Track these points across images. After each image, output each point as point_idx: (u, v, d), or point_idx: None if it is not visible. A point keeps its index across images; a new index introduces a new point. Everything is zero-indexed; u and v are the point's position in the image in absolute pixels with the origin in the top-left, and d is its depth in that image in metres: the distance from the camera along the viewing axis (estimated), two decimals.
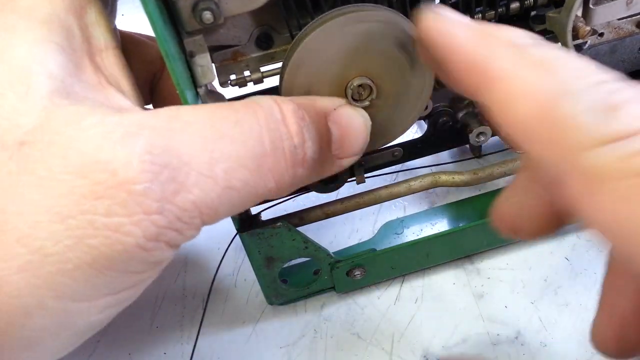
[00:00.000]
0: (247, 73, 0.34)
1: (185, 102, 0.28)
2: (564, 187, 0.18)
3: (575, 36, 0.32)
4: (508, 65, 0.20)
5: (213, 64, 0.32)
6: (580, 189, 0.17)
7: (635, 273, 0.18)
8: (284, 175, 0.26)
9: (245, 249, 0.37)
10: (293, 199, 0.45)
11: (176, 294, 0.46)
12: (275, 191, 0.27)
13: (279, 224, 0.34)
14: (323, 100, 0.30)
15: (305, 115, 0.27)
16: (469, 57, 0.21)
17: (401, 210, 0.49)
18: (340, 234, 0.48)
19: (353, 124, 0.30)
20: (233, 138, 0.25)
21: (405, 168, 0.51)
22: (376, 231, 0.47)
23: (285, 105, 0.27)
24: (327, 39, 0.29)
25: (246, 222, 0.35)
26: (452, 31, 0.22)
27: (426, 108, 0.39)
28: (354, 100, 0.32)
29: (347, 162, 0.31)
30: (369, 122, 0.31)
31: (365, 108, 0.32)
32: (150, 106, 0.39)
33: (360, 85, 0.31)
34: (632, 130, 0.16)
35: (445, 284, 0.44)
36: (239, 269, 0.47)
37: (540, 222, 0.24)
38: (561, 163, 0.18)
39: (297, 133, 0.26)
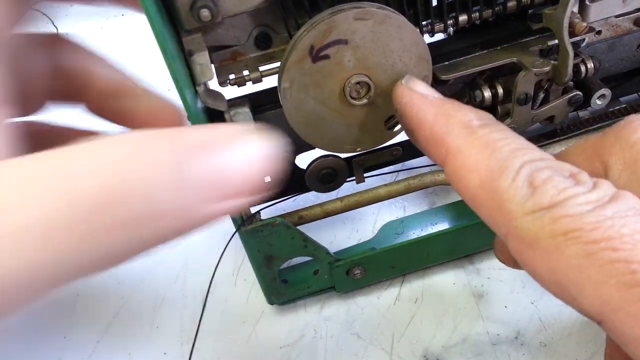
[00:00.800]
0: (246, 72, 0.34)
1: (185, 101, 0.28)
2: (508, 245, 0.23)
3: (572, 33, 0.33)
4: (460, 142, 0.25)
5: (212, 64, 0.33)
6: (517, 248, 0.22)
7: (582, 312, 0.21)
8: None
9: (244, 248, 0.37)
10: (293, 198, 0.45)
11: (176, 294, 0.46)
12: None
13: (277, 222, 0.34)
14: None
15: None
16: (431, 131, 0.26)
17: (401, 211, 0.49)
18: (340, 234, 0.48)
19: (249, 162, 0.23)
20: None
21: (404, 167, 0.51)
22: (376, 231, 0.47)
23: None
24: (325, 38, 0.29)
25: (245, 221, 0.35)
26: (420, 107, 0.27)
27: None
28: (352, 98, 0.32)
29: (235, 205, 0.23)
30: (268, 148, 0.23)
31: (365, 106, 0.32)
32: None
33: (358, 83, 0.31)
34: (549, 204, 0.21)
35: (445, 284, 0.44)
36: (238, 269, 0.47)
37: None
38: (502, 226, 0.23)
39: None
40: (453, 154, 0.25)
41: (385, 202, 0.49)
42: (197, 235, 0.48)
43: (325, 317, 0.44)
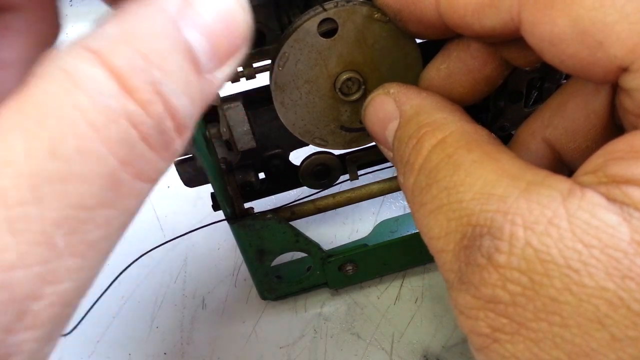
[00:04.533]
0: (239, 69, 0.34)
1: None
2: None
3: None
4: None
5: None
6: None
7: (606, 62, 0.19)
8: (151, 174, 0.17)
9: (236, 241, 0.37)
10: (286, 195, 0.45)
11: (176, 294, 0.47)
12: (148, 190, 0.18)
13: (269, 216, 0.35)
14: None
15: (151, 60, 0.16)
16: None
17: (401, 210, 0.49)
18: (340, 235, 0.48)
19: (225, 15, 0.19)
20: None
21: None
22: None
23: (118, 61, 0.16)
24: (313, 35, 0.30)
25: (237, 214, 0.36)
26: None
27: None
28: (343, 94, 0.32)
29: (228, 70, 0.20)
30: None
31: (357, 100, 0.32)
32: None
33: (349, 79, 0.32)
34: None
35: (445, 284, 0.44)
36: (239, 269, 0.47)
37: (469, 87, 0.28)
38: None
39: (151, 102, 0.16)
40: None
41: (386, 202, 0.49)
42: (197, 236, 0.48)
43: (325, 317, 0.44)
